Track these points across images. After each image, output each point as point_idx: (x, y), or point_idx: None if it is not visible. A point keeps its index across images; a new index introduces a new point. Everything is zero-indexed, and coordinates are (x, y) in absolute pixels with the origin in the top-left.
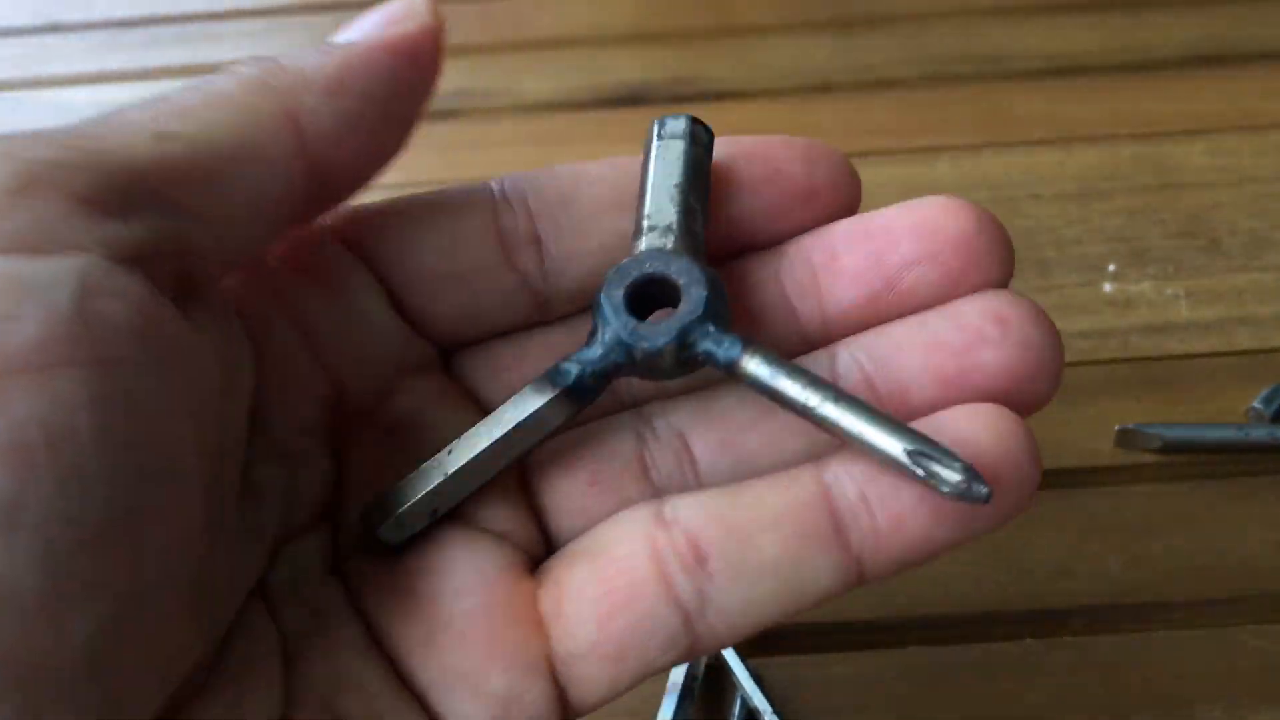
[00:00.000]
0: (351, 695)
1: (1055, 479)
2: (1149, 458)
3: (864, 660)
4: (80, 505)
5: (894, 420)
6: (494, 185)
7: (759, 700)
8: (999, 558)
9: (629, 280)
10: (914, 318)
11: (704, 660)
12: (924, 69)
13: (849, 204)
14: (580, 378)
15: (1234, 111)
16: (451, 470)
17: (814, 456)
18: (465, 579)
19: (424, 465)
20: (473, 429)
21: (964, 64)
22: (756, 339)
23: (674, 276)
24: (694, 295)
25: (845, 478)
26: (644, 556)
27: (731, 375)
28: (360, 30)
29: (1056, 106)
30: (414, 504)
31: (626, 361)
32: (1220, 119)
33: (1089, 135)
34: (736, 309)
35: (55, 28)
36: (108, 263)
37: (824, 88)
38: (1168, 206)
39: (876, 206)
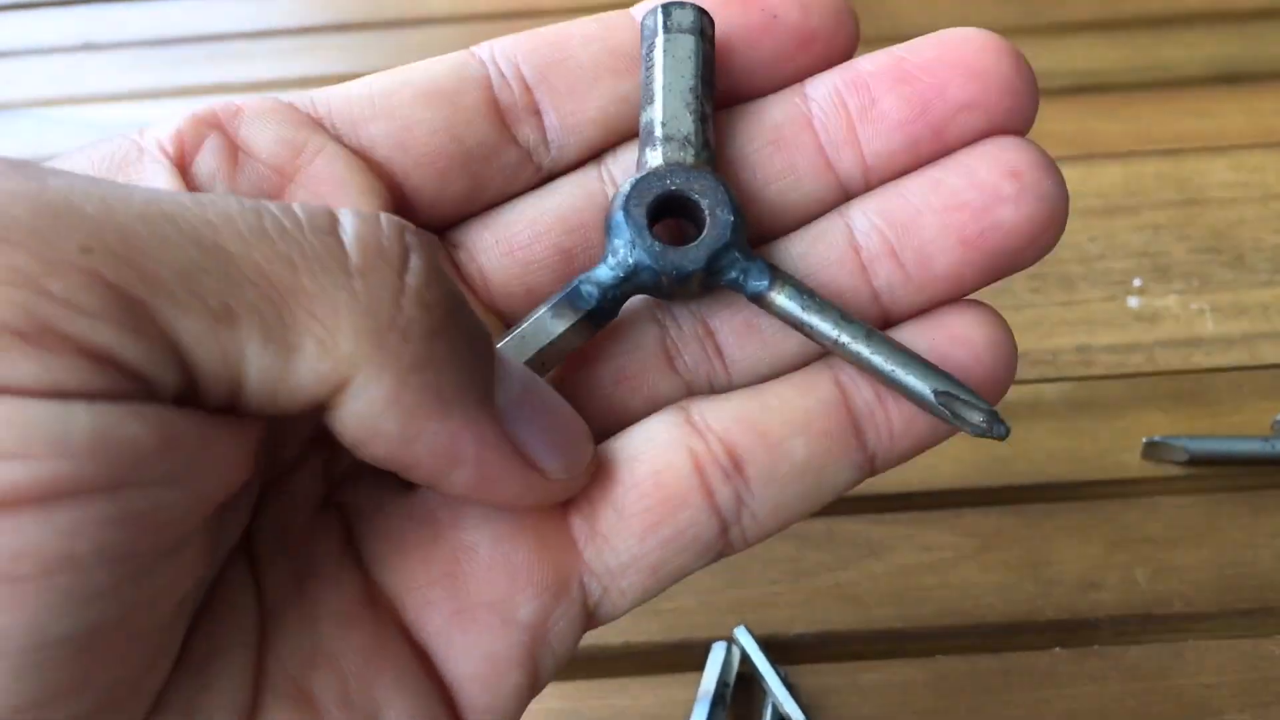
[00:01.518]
0: (326, 672)
1: (1082, 491)
2: (1175, 470)
3: (893, 669)
4: (73, 622)
5: (921, 360)
6: (483, 55)
7: (790, 707)
8: (1027, 569)
9: (651, 198)
10: (927, 173)
11: (736, 668)
12: None
13: (848, 45)
14: (601, 301)
15: (1256, 128)
16: None
17: None
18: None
19: None
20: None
21: None
22: (782, 270)
23: (697, 196)
24: (720, 220)
25: (860, 378)
26: (687, 467)
27: (758, 304)
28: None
29: (1080, 124)
30: None
31: (650, 284)
32: (1242, 135)
33: (1113, 152)
34: (763, 160)
35: (90, 46)
36: (127, 385)
37: None
38: (1191, 222)
39: None
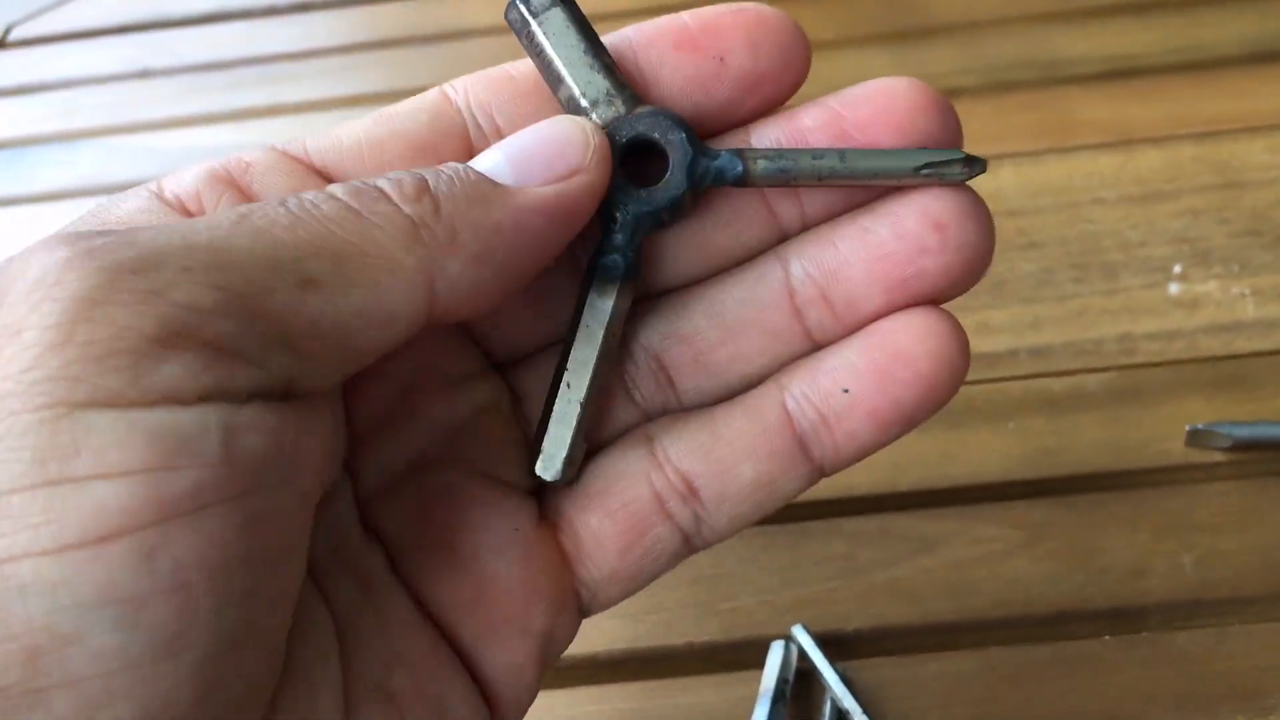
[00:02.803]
0: (402, 671)
1: (1127, 480)
2: (1219, 456)
3: (948, 661)
4: (233, 623)
5: (890, 152)
6: (459, 102)
7: (849, 702)
8: (1076, 558)
9: (617, 158)
10: (856, 224)
11: (795, 665)
12: (983, 77)
13: (798, 79)
14: (628, 264)
15: None
16: (584, 398)
17: (779, 364)
18: (500, 535)
19: (555, 404)
20: (572, 353)
21: (1023, 70)
22: (741, 148)
23: (648, 133)
24: (676, 139)
25: (804, 401)
26: (647, 497)
27: (746, 184)
28: (519, 165)
29: (1116, 109)
30: (573, 443)
31: (654, 224)
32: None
33: (1149, 137)
34: (711, 208)
35: (144, 74)
36: (245, 401)
37: None
38: (1231, 205)
39: None
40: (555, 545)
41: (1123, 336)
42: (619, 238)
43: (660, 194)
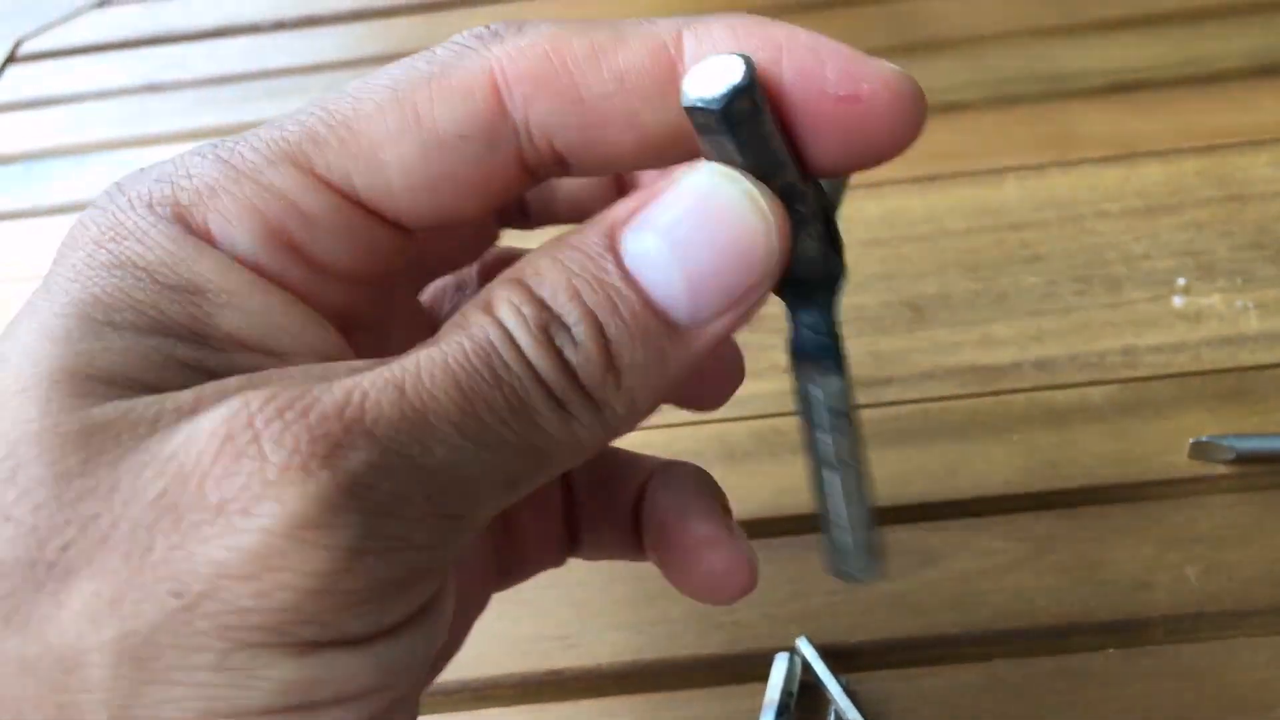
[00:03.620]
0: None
1: (1131, 492)
2: (1223, 469)
3: (951, 674)
4: None
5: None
6: (511, 108)
7: (853, 714)
8: (1080, 571)
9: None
10: None
11: (799, 677)
12: (987, 91)
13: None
14: (835, 341)
15: None
16: (855, 486)
17: None
18: None
19: (828, 498)
20: (821, 440)
21: (1026, 84)
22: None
23: (832, 213)
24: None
25: None
26: None
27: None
28: (696, 292)
29: (1119, 122)
30: (869, 532)
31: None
32: None
33: (1152, 150)
34: None
35: (153, 87)
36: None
37: None
38: (1234, 218)
39: (945, 235)
40: None
41: (1126, 349)
42: (814, 317)
43: (836, 264)
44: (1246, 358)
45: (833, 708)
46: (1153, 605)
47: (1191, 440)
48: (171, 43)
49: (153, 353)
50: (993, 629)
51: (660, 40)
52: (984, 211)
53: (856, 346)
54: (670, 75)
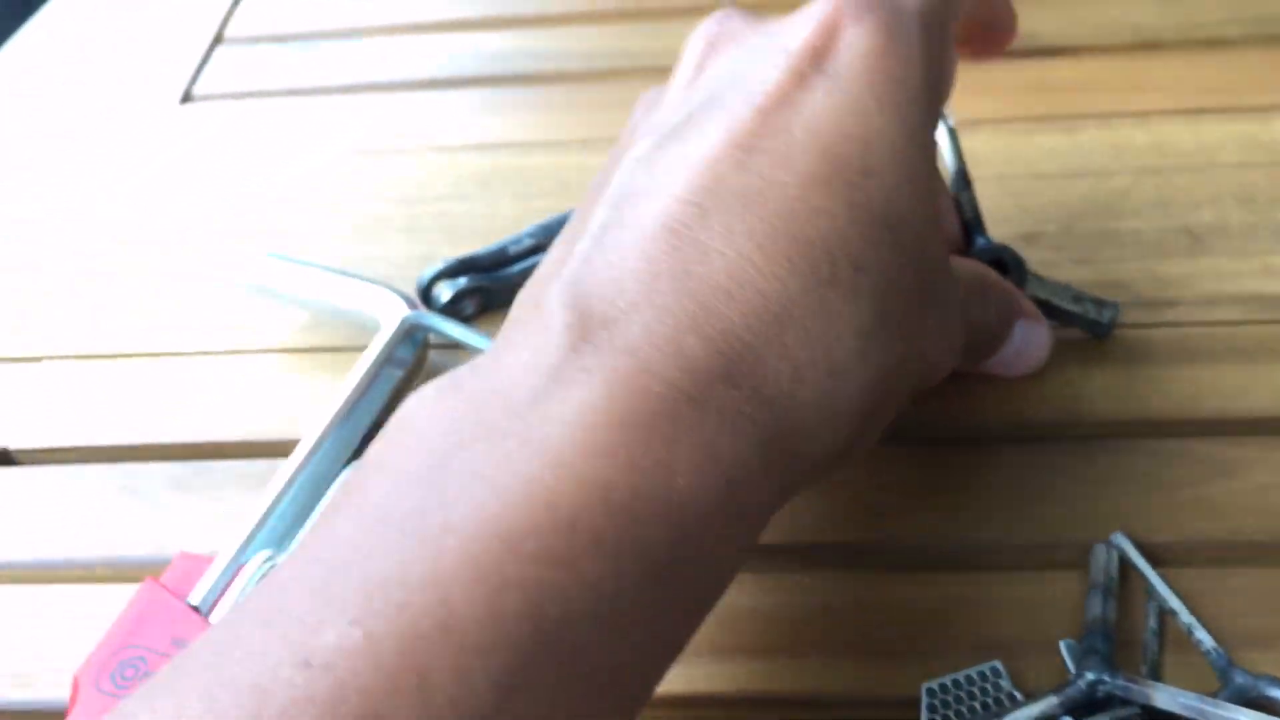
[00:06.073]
0: None
1: None
2: None
3: (1259, 576)
4: None
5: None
6: None
7: (1175, 602)
8: None
9: None
10: None
11: (1117, 566)
12: (1250, 28)
13: None
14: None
15: None
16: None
17: None
18: None
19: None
20: None
21: None
22: None
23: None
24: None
25: None
26: None
27: None
28: (1016, 363)
29: None
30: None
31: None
32: None
33: None
34: None
35: None
36: None
37: (1153, 45)
38: None
39: (1217, 167)
40: None
41: None
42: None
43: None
44: None
45: (1152, 598)
46: None
47: None
48: None
49: None
50: None
51: None
52: (1255, 146)
53: (1136, 269)
54: None
